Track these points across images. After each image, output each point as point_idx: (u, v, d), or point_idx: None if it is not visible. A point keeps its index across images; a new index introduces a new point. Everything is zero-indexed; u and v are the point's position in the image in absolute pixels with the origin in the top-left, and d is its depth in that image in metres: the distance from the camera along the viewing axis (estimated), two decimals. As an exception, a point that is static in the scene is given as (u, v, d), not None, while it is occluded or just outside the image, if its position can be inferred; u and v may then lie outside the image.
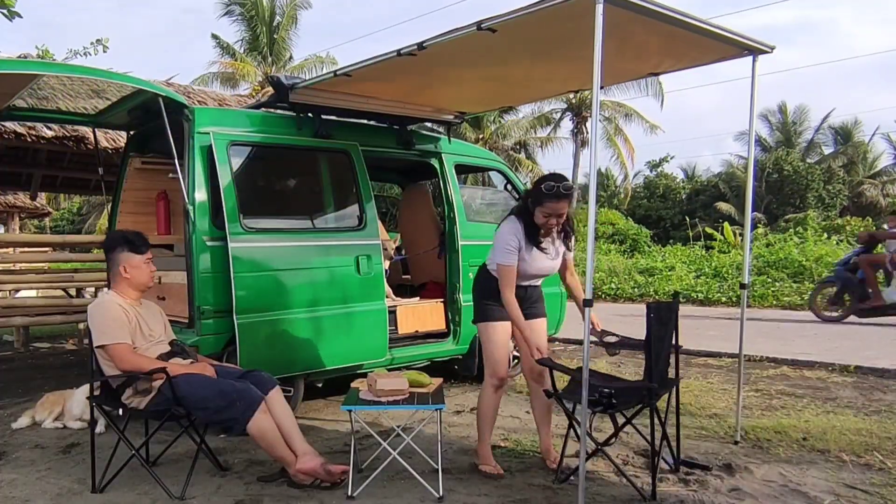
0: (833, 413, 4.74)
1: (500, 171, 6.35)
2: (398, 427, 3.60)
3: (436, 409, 3.31)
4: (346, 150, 4.90)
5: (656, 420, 3.27)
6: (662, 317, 3.32)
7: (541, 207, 3.34)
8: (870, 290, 9.18)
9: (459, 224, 5.45)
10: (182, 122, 4.27)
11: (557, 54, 3.84)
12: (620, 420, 3.39)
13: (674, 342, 3.45)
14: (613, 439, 3.60)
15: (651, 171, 37.21)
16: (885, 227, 10.04)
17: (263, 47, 26.29)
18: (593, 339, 3.33)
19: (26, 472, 3.67)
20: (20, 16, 5.89)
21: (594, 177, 3.01)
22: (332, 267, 4.64)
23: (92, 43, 7.84)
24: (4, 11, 5.75)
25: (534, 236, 3.41)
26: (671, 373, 3.51)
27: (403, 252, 6.51)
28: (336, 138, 4.87)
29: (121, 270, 3.47)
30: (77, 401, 4.53)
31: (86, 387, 3.89)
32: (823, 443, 3.98)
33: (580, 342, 2.99)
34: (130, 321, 3.39)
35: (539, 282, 3.65)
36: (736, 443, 4.04)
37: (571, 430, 3.50)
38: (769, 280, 13.46)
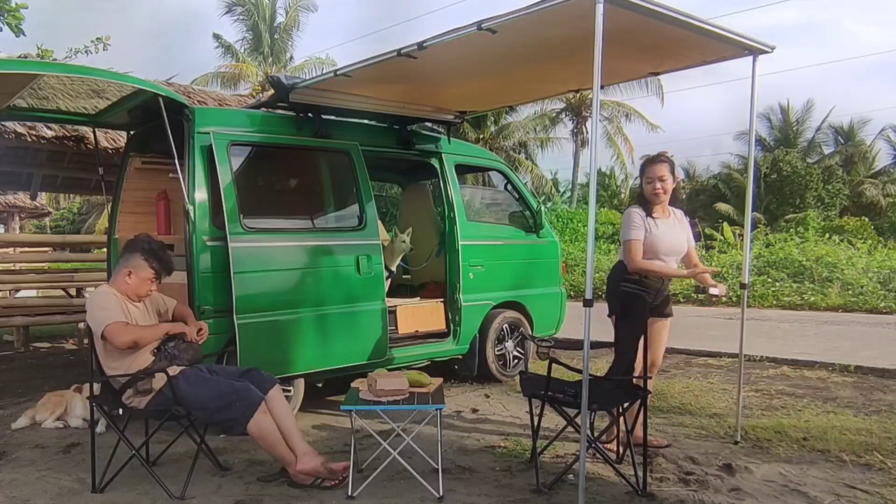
0: (833, 413, 4.74)
1: (500, 171, 6.35)
2: (398, 427, 3.60)
3: (436, 409, 3.31)
4: (346, 149, 4.90)
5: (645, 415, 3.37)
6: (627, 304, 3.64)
7: (643, 176, 3.87)
8: None
9: (459, 224, 5.46)
10: (182, 122, 4.27)
11: (557, 54, 3.84)
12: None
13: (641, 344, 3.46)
14: (607, 435, 3.64)
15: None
16: None
17: (264, 47, 26.29)
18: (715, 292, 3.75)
19: (26, 472, 3.67)
20: (24, 33, 6.14)
21: (594, 177, 3.02)
22: (332, 267, 4.64)
23: (93, 41, 7.84)
24: (11, 24, 5.92)
25: (648, 209, 3.82)
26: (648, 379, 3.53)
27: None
28: (336, 138, 4.87)
29: (126, 272, 3.48)
30: (81, 399, 4.54)
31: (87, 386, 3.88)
32: (823, 443, 3.98)
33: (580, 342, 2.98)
34: (123, 312, 3.40)
35: (674, 262, 3.92)
36: (736, 443, 4.04)
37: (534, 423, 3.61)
38: (769, 280, 13.46)
